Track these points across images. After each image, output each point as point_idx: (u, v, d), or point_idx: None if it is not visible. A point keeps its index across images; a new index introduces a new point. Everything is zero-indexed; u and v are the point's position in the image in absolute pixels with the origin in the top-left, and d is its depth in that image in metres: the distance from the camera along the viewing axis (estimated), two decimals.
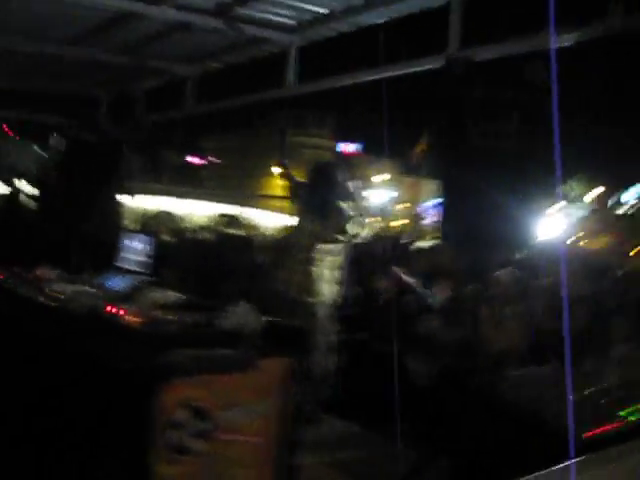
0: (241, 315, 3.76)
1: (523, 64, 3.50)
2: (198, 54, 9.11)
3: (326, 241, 5.77)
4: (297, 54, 7.99)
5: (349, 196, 5.90)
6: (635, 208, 16.99)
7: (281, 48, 8.20)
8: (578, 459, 1.57)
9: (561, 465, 1.47)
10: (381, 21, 6.89)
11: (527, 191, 3.52)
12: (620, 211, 16.66)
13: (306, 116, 64.35)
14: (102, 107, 11.79)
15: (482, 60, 4.51)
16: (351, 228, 5.76)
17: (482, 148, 3.49)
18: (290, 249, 5.94)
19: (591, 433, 2.74)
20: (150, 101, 11.58)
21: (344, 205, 5.78)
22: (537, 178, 3.51)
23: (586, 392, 3.30)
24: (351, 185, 6.08)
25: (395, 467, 4.55)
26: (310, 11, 7.19)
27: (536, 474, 1.42)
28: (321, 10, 7.12)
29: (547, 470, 1.46)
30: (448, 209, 3.96)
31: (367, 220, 6.30)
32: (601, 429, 2.82)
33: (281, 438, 3.59)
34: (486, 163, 3.71)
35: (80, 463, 3.33)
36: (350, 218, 5.74)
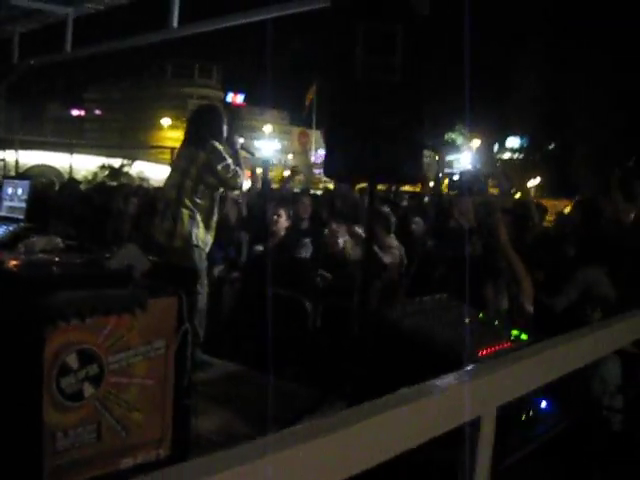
0: (128, 256, 3.65)
1: None
2: None
3: (203, 184, 5.71)
4: None
5: (227, 141, 5.90)
6: None
7: None
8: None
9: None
10: None
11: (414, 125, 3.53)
12: None
13: (191, 67, 63.43)
14: None
15: None
16: (226, 174, 5.70)
17: (367, 81, 3.44)
18: (165, 194, 5.88)
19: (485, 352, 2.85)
20: (29, 46, 10.97)
21: (220, 147, 5.75)
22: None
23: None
24: (229, 132, 6.06)
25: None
26: None
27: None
28: None
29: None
30: (333, 148, 3.92)
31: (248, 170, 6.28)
32: (495, 348, 2.93)
33: (174, 379, 3.55)
34: (373, 97, 3.67)
35: None
36: (224, 164, 5.69)
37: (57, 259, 3.45)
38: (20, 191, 4.94)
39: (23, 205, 4.86)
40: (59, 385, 3.10)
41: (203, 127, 5.83)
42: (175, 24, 7.67)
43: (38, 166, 28.15)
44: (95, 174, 25.00)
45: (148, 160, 34.34)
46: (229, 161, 5.71)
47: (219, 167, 5.64)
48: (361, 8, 3.71)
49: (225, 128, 5.88)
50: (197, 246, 5.62)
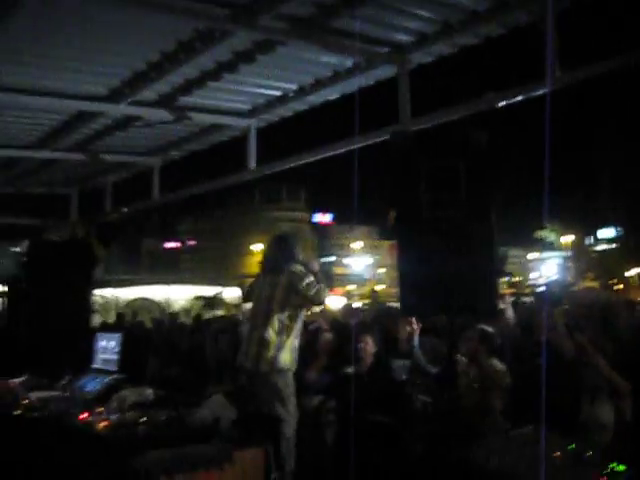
0: (215, 408, 3.73)
1: (465, 131, 3.61)
2: (158, 145, 9.30)
3: (288, 306, 5.76)
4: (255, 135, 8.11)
5: (304, 262, 5.98)
6: None
7: (240, 132, 8.37)
8: None
9: None
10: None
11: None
12: None
13: (279, 191, 65.29)
14: (72, 203, 11.99)
15: (429, 130, 4.69)
16: (310, 291, 5.75)
17: (433, 218, 3.53)
18: (251, 320, 5.92)
19: None
20: (120, 194, 11.70)
21: (300, 268, 5.82)
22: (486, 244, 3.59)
23: None
24: (305, 254, 6.16)
25: None
26: (263, 95, 7.38)
27: None
28: (274, 92, 7.33)
29: None
30: (407, 287, 3.97)
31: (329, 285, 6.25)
32: None
33: None
34: (437, 232, 3.73)
35: None
36: (306, 282, 5.74)
37: (144, 419, 3.55)
38: (112, 344, 5.15)
39: (115, 357, 5.06)
40: None
41: (278, 255, 5.99)
42: (252, 165, 8.04)
43: (138, 300, 29.01)
44: (192, 305, 25.59)
45: (238, 286, 34.92)
46: (311, 278, 5.78)
47: (302, 284, 5.72)
48: (422, 147, 3.82)
49: (299, 254, 6.01)
50: (282, 370, 5.61)
